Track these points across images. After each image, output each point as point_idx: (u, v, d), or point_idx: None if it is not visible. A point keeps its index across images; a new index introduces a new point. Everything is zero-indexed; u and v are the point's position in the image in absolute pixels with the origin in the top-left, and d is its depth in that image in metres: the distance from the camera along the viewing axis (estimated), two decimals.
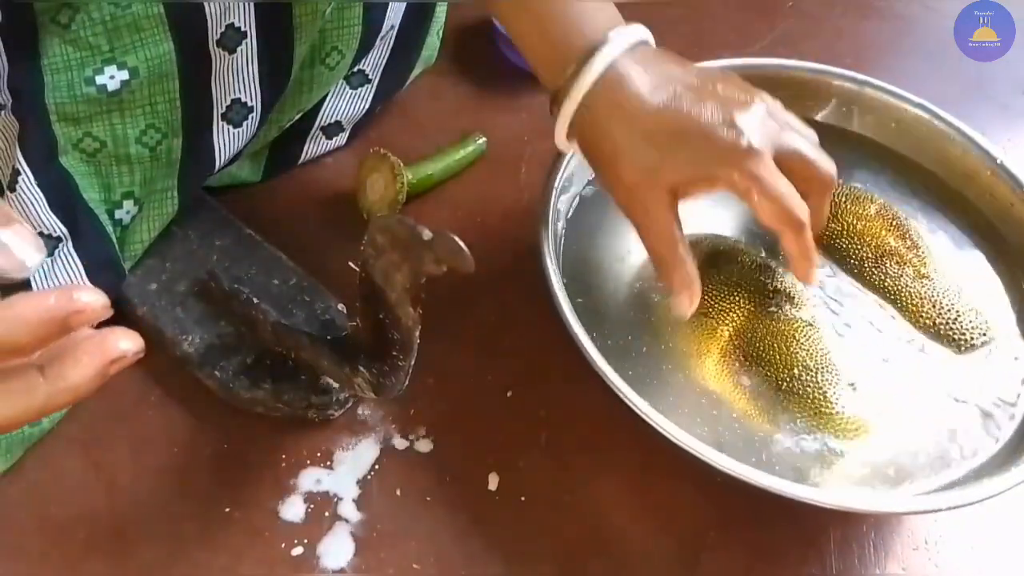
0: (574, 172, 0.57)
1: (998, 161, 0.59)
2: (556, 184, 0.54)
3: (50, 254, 0.48)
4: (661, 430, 0.45)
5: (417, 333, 0.39)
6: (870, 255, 0.55)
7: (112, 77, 0.47)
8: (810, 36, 0.80)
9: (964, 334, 0.53)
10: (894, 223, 0.57)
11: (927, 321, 0.53)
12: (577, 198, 0.59)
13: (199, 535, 0.47)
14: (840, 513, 0.50)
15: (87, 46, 0.46)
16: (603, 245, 0.57)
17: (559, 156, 0.55)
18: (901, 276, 0.54)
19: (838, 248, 0.57)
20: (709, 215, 0.58)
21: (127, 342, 0.31)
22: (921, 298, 0.54)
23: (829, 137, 0.63)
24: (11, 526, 0.47)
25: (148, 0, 0.46)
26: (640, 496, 0.51)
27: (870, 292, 0.55)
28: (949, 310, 0.53)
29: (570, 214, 0.58)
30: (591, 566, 0.48)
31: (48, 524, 0.47)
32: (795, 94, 0.63)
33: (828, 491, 0.45)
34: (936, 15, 0.84)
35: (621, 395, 0.46)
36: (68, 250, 0.49)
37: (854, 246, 0.56)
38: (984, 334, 0.53)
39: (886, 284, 0.54)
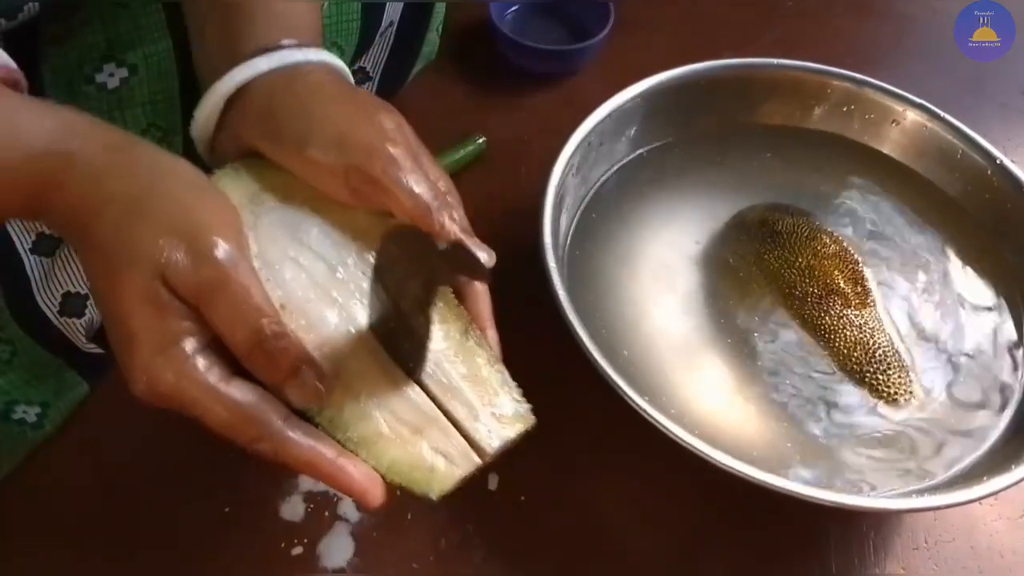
0: (574, 172, 0.57)
1: (997, 161, 0.59)
2: (556, 184, 0.54)
3: (50, 254, 0.48)
4: (661, 427, 0.45)
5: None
6: (815, 291, 0.54)
7: (111, 75, 0.47)
8: (810, 36, 0.80)
9: (889, 387, 0.51)
10: (850, 266, 0.56)
11: (854, 366, 0.52)
12: (579, 199, 0.59)
13: (199, 535, 0.47)
14: (840, 513, 0.50)
15: (86, 44, 0.45)
16: (604, 246, 0.57)
17: (559, 156, 0.55)
18: (841, 317, 0.53)
19: (786, 278, 0.55)
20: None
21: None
22: (855, 343, 0.52)
23: (824, 145, 0.63)
24: (12, 526, 0.47)
25: None
26: (640, 496, 0.51)
27: (804, 328, 0.54)
28: (880, 361, 0.52)
29: (571, 214, 0.58)
30: (591, 566, 0.48)
31: (48, 524, 0.47)
32: (795, 94, 0.63)
33: (828, 490, 0.45)
34: (936, 15, 0.84)
35: (621, 392, 0.46)
36: (69, 250, 0.49)
37: (803, 279, 0.55)
38: (910, 392, 0.52)
39: (824, 322, 0.53)
